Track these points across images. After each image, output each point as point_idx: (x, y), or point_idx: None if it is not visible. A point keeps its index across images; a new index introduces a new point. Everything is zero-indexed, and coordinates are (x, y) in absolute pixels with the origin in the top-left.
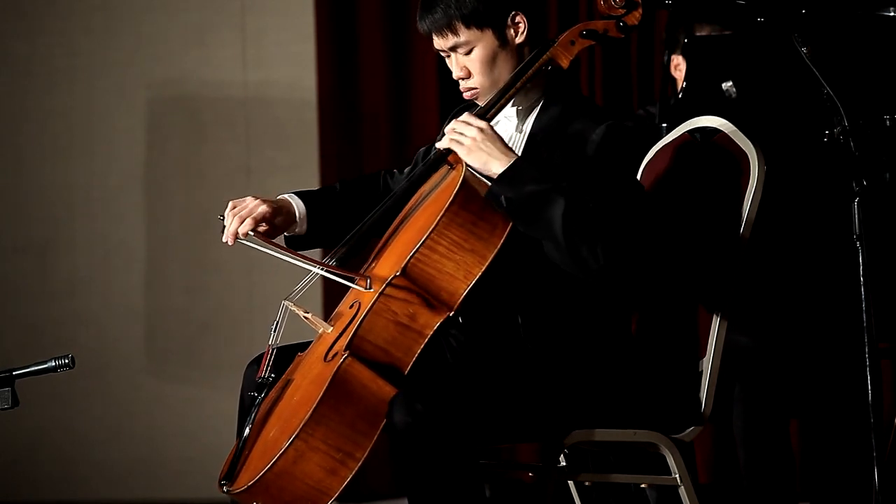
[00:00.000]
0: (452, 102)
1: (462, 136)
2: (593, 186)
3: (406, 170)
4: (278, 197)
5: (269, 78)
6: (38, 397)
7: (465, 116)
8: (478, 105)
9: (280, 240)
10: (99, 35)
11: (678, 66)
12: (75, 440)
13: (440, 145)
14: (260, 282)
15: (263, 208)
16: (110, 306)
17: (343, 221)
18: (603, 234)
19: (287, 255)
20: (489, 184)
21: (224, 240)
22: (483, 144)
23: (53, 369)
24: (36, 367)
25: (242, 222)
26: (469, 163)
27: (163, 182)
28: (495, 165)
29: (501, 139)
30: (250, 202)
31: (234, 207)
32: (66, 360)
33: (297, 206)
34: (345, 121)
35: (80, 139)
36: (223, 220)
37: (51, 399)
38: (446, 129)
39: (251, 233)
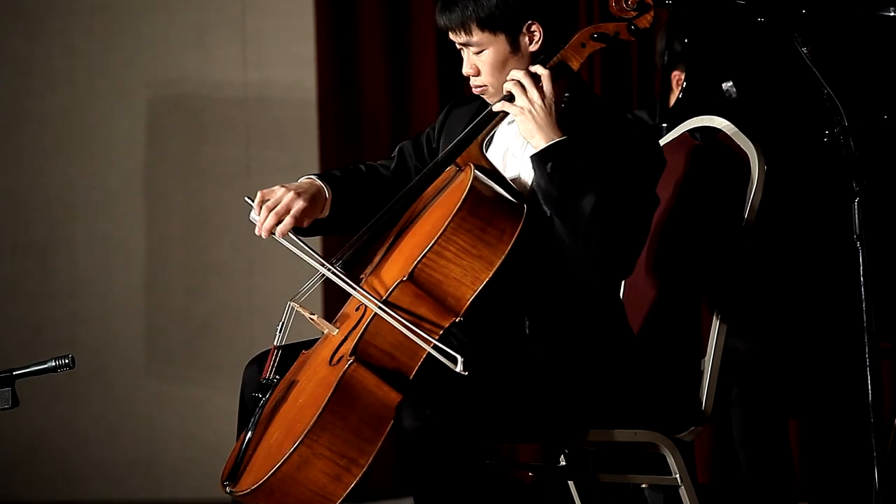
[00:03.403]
0: None
1: (523, 94)
2: (621, 186)
3: (382, 162)
4: (301, 180)
5: (269, 78)
6: (38, 397)
7: (539, 69)
8: (479, 99)
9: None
10: (99, 35)
11: (679, 81)
12: (75, 440)
13: (496, 107)
14: (260, 282)
15: (301, 205)
16: (110, 306)
17: (356, 208)
18: (622, 237)
19: (319, 263)
20: (496, 188)
21: (257, 232)
22: (538, 113)
23: (53, 369)
24: (36, 367)
25: (279, 220)
26: (517, 124)
27: (163, 182)
28: (539, 139)
29: (556, 114)
30: (284, 196)
31: (267, 200)
32: (66, 360)
33: (327, 191)
34: (345, 121)
35: (80, 139)
36: (251, 205)
37: (51, 399)
38: (510, 77)
39: (291, 234)
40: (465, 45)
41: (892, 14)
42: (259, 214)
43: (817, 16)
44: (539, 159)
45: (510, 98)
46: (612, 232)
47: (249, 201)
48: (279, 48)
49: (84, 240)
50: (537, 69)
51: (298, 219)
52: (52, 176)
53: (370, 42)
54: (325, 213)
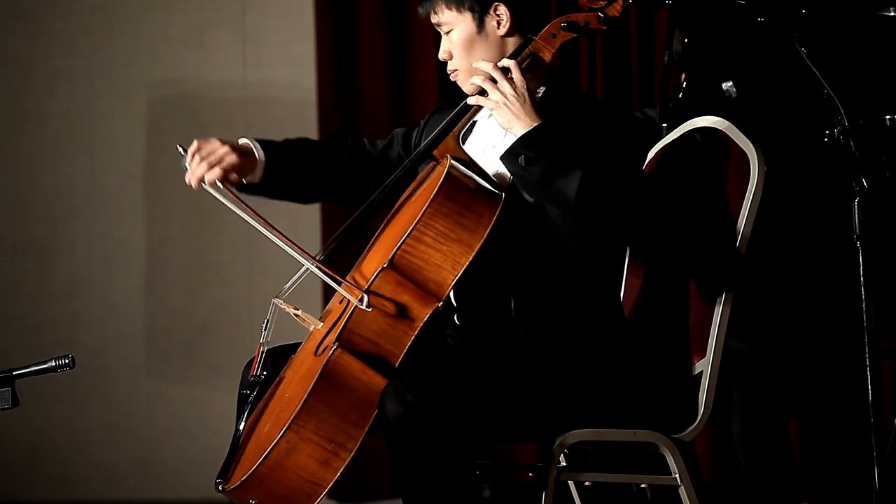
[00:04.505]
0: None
1: (494, 88)
2: (608, 166)
3: (379, 142)
4: (240, 141)
5: (269, 78)
6: (38, 397)
7: (506, 62)
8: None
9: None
10: (99, 35)
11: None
12: (75, 440)
13: (471, 101)
14: (260, 282)
15: (233, 158)
16: (110, 306)
17: (297, 176)
18: (615, 212)
19: (250, 216)
20: (473, 176)
21: (187, 181)
22: (513, 103)
23: (53, 369)
24: (36, 367)
25: (211, 168)
26: (495, 117)
27: (163, 182)
28: (518, 128)
29: (532, 100)
30: (218, 147)
31: (201, 149)
32: (66, 360)
33: (258, 153)
34: (345, 121)
35: (80, 139)
36: (183, 154)
37: (51, 399)
38: (479, 67)
39: (219, 182)
40: (438, 25)
41: (892, 14)
42: (190, 164)
43: (817, 16)
44: (509, 156)
45: (483, 93)
46: (603, 207)
47: (181, 150)
48: (279, 48)
49: (84, 240)
50: (504, 61)
51: (228, 172)
52: (52, 176)
53: (370, 42)
54: (258, 177)
